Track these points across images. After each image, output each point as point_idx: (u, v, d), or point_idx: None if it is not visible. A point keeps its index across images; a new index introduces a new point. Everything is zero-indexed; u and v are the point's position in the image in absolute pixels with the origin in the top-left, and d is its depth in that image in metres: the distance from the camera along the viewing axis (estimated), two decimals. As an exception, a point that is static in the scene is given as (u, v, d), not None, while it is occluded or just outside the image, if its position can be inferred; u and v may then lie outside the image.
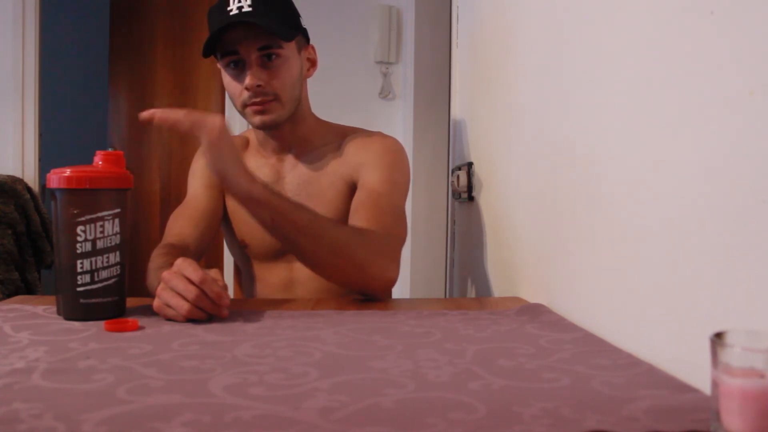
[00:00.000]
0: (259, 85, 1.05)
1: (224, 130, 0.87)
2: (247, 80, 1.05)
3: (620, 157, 0.72)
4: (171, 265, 0.83)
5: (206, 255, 1.18)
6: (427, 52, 2.47)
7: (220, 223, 1.22)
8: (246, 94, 1.06)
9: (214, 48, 1.07)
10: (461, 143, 1.62)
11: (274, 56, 1.06)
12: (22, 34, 2.45)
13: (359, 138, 1.17)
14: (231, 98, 1.11)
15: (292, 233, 0.91)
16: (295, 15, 1.12)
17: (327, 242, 0.93)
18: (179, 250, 1.04)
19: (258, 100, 1.06)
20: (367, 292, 1.00)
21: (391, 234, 1.04)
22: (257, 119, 1.08)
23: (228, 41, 1.05)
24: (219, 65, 1.10)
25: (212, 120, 0.86)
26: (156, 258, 1.01)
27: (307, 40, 1.16)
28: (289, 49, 1.08)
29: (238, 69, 1.07)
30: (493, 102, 1.31)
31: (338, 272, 0.96)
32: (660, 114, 0.64)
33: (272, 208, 0.89)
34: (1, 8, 2.42)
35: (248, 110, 1.08)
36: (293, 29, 1.09)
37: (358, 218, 1.05)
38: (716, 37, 0.54)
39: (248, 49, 1.05)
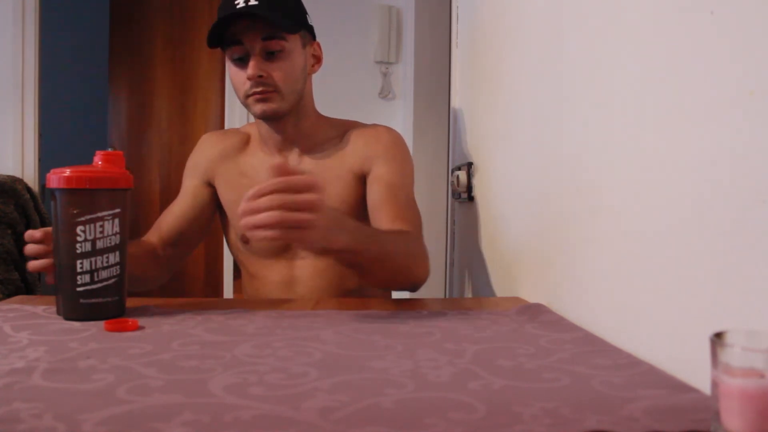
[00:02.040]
0: (260, 76, 1.07)
1: (321, 214, 0.75)
2: (249, 71, 1.06)
3: (620, 157, 0.72)
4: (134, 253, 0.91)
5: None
6: (427, 52, 2.47)
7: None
8: (248, 84, 1.08)
9: (219, 39, 1.08)
10: (461, 143, 1.62)
11: (277, 49, 1.08)
12: (22, 34, 2.45)
13: (364, 131, 1.20)
14: (234, 89, 1.13)
15: (373, 264, 0.92)
16: (300, 11, 1.14)
17: (393, 259, 0.95)
18: (149, 245, 1.14)
19: (259, 89, 1.08)
20: (406, 289, 1.05)
21: (418, 230, 1.11)
22: (258, 108, 1.10)
23: (233, 32, 1.07)
24: (226, 57, 1.13)
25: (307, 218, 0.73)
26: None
27: (313, 36, 1.18)
28: (293, 43, 1.10)
29: (242, 61, 1.09)
30: (493, 102, 1.31)
31: (395, 275, 0.98)
32: (660, 114, 0.64)
33: (365, 250, 0.87)
34: (1, 8, 2.42)
35: (250, 100, 1.10)
36: (297, 24, 1.11)
37: (384, 215, 1.10)
38: (716, 37, 0.54)
39: (252, 40, 1.06)
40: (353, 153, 1.17)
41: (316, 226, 0.74)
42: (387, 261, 0.94)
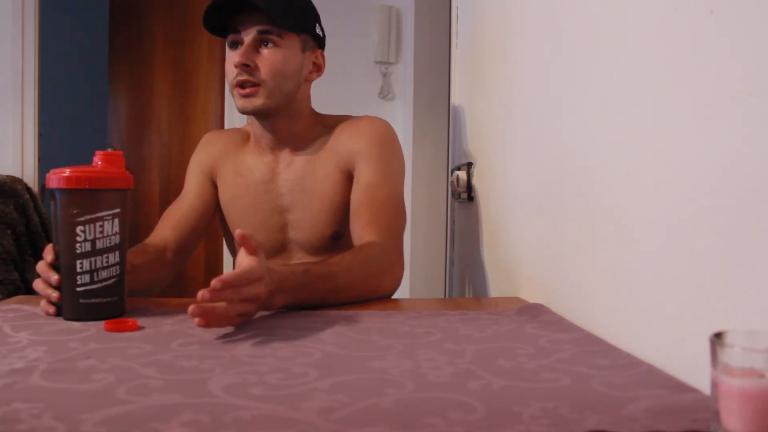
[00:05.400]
0: (246, 65, 1.06)
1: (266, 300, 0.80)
2: (236, 57, 1.06)
3: (619, 157, 0.72)
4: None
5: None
6: (426, 52, 2.47)
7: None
8: (234, 72, 1.07)
9: (219, 25, 1.09)
10: (461, 143, 1.62)
11: (270, 43, 1.08)
12: (22, 34, 2.45)
13: (349, 125, 1.18)
14: (226, 77, 1.13)
15: (325, 300, 0.92)
16: (309, 17, 1.14)
17: (348, 288, 0.94)
18: (155, 247, 1.11)
19: (243, 78, 1.07)
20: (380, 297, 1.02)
21: (392, 234, 1.06)
22: (239, 103, 1.09)
23: (235, 21, 1.07)
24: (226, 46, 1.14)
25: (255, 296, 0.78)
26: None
27: (319, 45, 1.18)
28: (290, 41, 1.10)
29: (236, 47, 1.09)
30: (493, 102, 1.31)
31: (357, 298, 0.96)
32: (659, 114, 0.64)
33: (311, 297, 0.89)
34: (1, 8, 2.42)
35: (235, 92, 1.09)
36: (299, 24, 1.11)
37: (358, 220, 1.08)
38: (716, 37, 0.54)
39: (248, 30, 1.07)
40: (339, 149, 1.16)
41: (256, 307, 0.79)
42: (340, 293, 0.93)
